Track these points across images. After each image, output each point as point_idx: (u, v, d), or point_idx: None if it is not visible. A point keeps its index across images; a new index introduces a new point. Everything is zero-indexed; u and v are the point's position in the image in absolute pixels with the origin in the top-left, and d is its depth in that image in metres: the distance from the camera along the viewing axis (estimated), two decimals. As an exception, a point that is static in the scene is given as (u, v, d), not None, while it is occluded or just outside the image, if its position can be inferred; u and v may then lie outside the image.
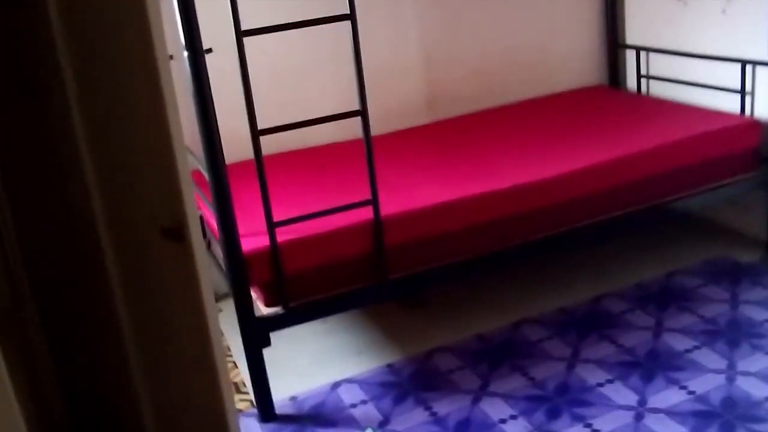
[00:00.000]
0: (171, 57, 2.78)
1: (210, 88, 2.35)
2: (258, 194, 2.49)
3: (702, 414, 2.45)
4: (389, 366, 2.94)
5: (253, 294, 2.66)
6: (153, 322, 1.49)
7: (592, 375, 2.73)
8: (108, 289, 1.44)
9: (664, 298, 3.15)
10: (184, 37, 2.29)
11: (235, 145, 2.82)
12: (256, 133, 2.42)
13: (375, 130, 3.60)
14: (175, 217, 1.36)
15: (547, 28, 4.08)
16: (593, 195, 3.00)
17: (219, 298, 3.47)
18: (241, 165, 3.06)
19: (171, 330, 1.49)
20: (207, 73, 2.33)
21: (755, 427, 2.36)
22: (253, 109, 2.40)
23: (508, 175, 2.93)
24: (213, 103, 2.36)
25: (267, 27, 2.38)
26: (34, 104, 1.37)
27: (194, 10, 2.26)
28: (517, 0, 3.96)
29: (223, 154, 2.42)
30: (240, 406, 2.83)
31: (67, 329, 1.53)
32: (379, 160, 2.75)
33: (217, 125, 2.39)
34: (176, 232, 1.37)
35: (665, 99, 3.85)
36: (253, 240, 2.56)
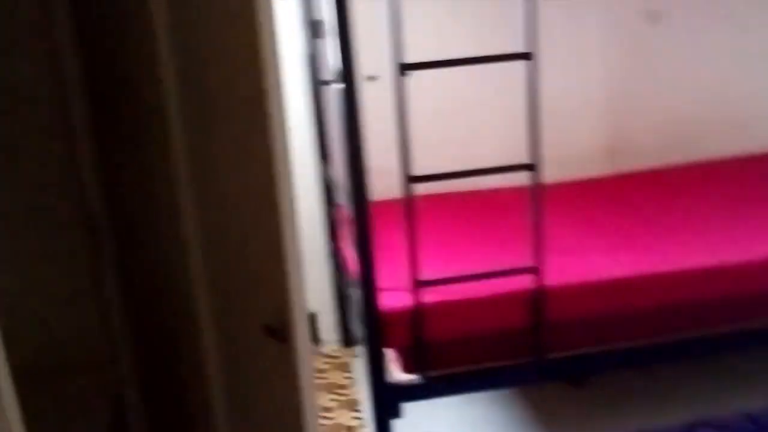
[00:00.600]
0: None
1: (362, 120, 2.08)
2: (404, 241, 2.20)
3: None
4: (533, 454, 2.57)
5: (390, 355, 2.37)
6: (249, 422, 1.25)
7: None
8: (206, 381, 1.22)
9: None
10: (341, 65, 2.04)
11: (386, 181, 2.54)
12: (408, 180, 2.14)
13: (545, 177, 3.24)
14: (279, 315, 1.11)
15: (754, 77, 3.54)
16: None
17: (354, 342, 3.23)
18: (389, 204, 2.77)
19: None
20: (360, 103, 2.07)
21: None
22: (409, 152, 2.12)
23: (698, 253, 2.48)
24: (364, 137, 2.09)
25: (433, 62, 2.09)
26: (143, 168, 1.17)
27: (352, 37, 2.00)
28: (721, 45, 3.47)
29: (369, 197, 2.15)
30: (362, 473, 2.56)
31: (162, 413, 1.33)
32: (547, 215, 2.40)
33: (367, 164, 2.11)
34: (279, 332, 1.11)
35: None
36: (394, 297, 2.28)
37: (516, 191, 2.47)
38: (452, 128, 3.29)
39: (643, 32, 3.38)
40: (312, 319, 1.25)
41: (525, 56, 2.11)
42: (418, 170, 2.16)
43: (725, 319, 2.48)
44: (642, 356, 2.47)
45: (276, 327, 1.11)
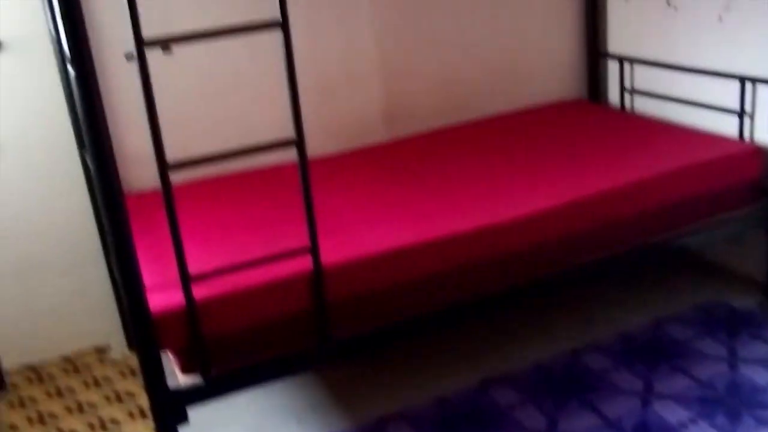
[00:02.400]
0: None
1: (101, 105, 1.86)
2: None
3: None
4: (333, 437, 2.49)
5: (168, 357, 2.20)
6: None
7: (571, 454, 2.30)
8: None
9: (653, 354, 2.73)
10: (70, 44, 1.80)
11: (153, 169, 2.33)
12: (164, 169, 1.95)
13: (324, 149, 3.15)
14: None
15: (521, 35, 3.62)
16: (574, 235, 2.57)
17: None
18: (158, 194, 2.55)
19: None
20: (97, 86, 1.84)
21: None
22: (160, 138, 1.92)
23: (476, 213, 2.48)
24: (105, 122, 1.87)
25: (178, 36, 1.90)
26: None
27: (80, 14, 1.77)
28: (488, 3, 3.51)
29: (122, 186, 1.95)
30: (153, 487, 2.36)
31: None
32: (326, 189, 2.29)
33: (111, 146, 1.89)
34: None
35: (652, 117, 3.43)
36: (163, 296, 2.09)
37: (296, 167, 2.34)
38: (226, 105, 3.12)
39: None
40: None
41: (278, 25, 1.97)
42: (191, 153, 1.99)
43: (507, 276, 2.51)
44: (432, 324, 2.44)
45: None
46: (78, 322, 3.15)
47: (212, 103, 3.08)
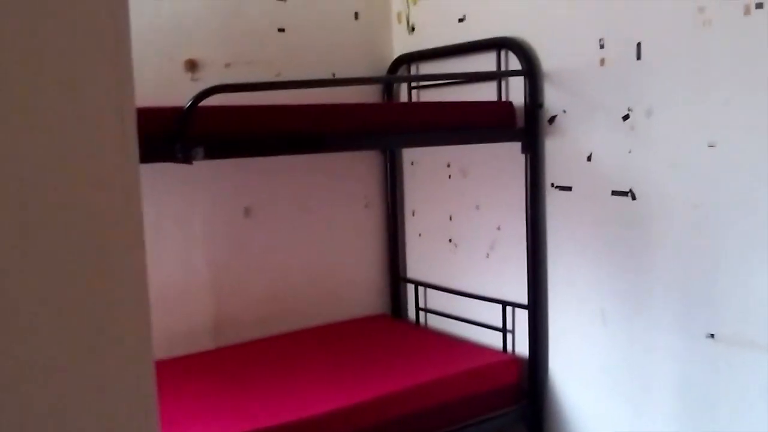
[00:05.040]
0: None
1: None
2: None
3: None
4: None
5: None
6: None
7: None
8: None
9: None
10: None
11: None
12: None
13: (155, 354, 3.61)
14: None
15: (337, 263, 4.35)
16: (366, 429, 3.11)
17: None
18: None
19: None
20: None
21: None
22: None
23: (279, 411, 2.99)
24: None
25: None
26: None
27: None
28: (308, 232, 4.23)
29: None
30: None
31: None
32: (159, 388, 2.70)
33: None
34: None
35: (440, 332, 4.15)
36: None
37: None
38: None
39: (239, 224, 4.00)
40: None
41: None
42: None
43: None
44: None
45: None
46: None
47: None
